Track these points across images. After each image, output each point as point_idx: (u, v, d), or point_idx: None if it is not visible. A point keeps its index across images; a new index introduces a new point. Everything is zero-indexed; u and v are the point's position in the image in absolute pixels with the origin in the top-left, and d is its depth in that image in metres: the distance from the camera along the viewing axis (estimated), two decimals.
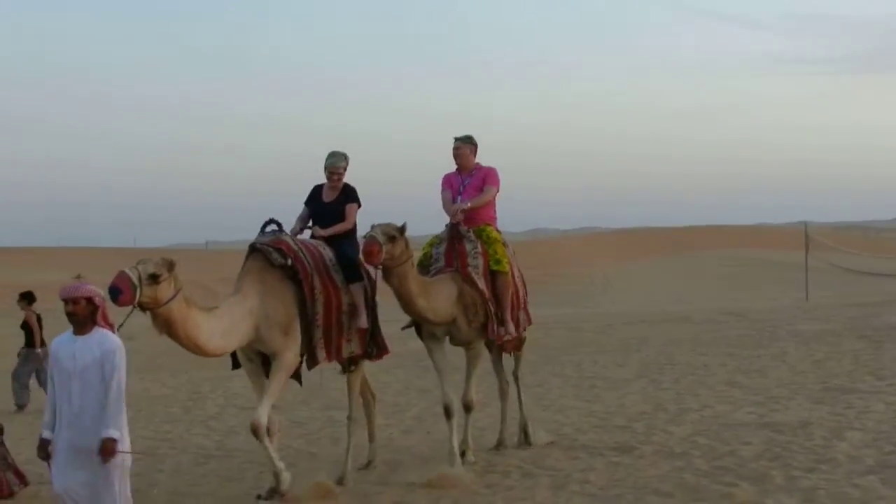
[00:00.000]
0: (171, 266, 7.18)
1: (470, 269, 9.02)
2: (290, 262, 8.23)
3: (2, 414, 12.12)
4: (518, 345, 9.93)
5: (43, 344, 14.11)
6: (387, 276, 8.47)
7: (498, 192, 9.53)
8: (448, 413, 8.96)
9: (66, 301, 6.22)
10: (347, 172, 9.13)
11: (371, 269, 8.78)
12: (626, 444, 9.49)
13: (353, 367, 8.98)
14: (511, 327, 9.24)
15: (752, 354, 16.14)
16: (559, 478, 8.41)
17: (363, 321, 8.67)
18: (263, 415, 7.96)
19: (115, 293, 6.88)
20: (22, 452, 10.25)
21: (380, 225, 8.41)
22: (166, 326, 7.27)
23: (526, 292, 9.85)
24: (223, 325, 7.74)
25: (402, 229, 8.42)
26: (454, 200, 9.33)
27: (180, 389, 15.81)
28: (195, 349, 7.63)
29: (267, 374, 8.31)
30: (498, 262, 9.19)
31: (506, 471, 8.80)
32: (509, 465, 9.01)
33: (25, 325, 14.64)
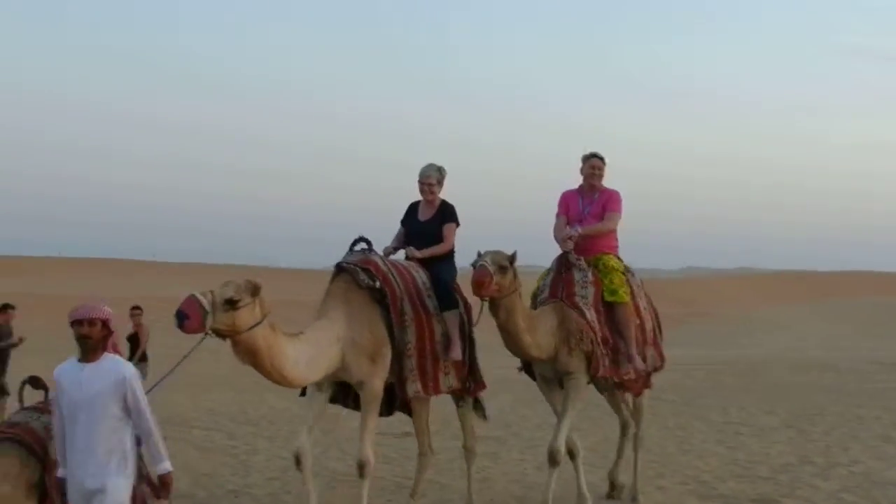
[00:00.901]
0: (255, 290, 6.65)
1: (577, 298, 8.27)
2: (378, 283, 7.64)
3: None
4: (644, 385, 8.95)
5: (145, 358, 14.06)
6: (493, 308, 7.81)
7: (620, 217, 8.74)
8: (552, 459, 8.14)
9: (80, 322, 5.59)
10: (447, 189, 8.44)
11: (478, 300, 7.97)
12: (768, 497, 9.05)
13: (462, 403, 8.52)
14: (638, 361, 8.41)
15: None
16: None
17: (457, 353, 7.99)
18: (369, 453, 7.56)
19: (181, 318, 6.41)
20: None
21: (489, 253, 7.77)
22: (250, 355, 6.76)
23: (659, 328, 9.06)
24: (309, 352, 7.19)
25: (512, 258, 7.78)
26: (570, 225, 8.56)
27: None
28: (279, 379, 7.07)
29: (340, 401, 7.96)
30: (614, 292, 8.39)
31: None
32: None
33: (133, 338, 14.34)
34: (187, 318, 6.39)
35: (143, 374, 13.15)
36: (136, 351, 14.21)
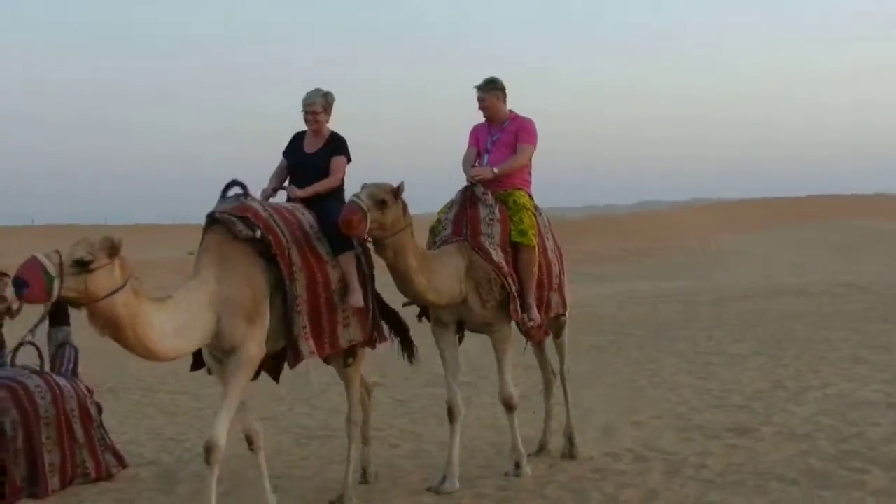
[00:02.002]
0: (113, 249, 5.72)
1: (482, 237, 7.50)
2: (258, 233, 6.66)
3: (105, 392, 12.08)
4: (555, 332, 8.48)
5: None
6: (379, 248, 7.07)
7: (535, 149, 7.96)
8: (452, 415, 7.74)
9: None
10: (335, 119, 7.55)
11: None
12: (745, 426, 8.98)
13: (351, 359, 7.51)
14: (534, 313, 7.65)
15: (876, 329, 15.35)
16: (673, 462, 7.95)
17: (357, 298, 7.07)
18: (222, 432, 6.39)
19: (20, 286, 5.47)
20: (127, 432, 10.24)
21: (369, 185, 6.96)
22: (110, 327, 5.82)
23: (563, 271, 8.32)
24: (179, 320, 6.19)
25: (397, 191, 6.97)
26: (478, 160, 7.91)
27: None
28: (144, 353, 6.10)
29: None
30: (522, 232, 7.63)
31: (615, 454, 8.38)
32: (618, 446, 8.58)
33: None
34: (27, 285, 5.45)
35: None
36: None
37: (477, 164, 7.94)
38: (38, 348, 8.11)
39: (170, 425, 10.71)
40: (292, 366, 6.98)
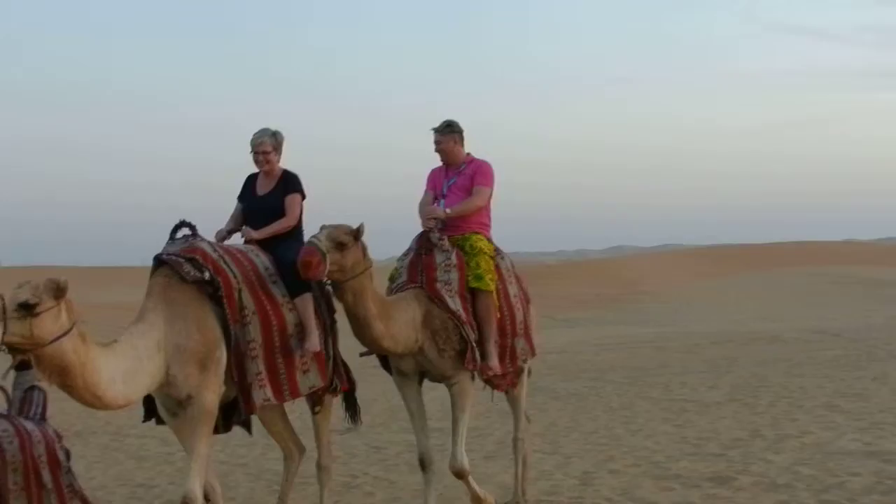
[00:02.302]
0: (58, 291, 5.43)
1: (438, 284, 7.21)
2: (207, 275, 6.39)
3: (72, 436, 11.86)
4: (511, 383, 7.96)
5: None
6: (338, 291, 6.82)
7: (492, 193, 7.71)
8: (424, 465, 7.46)
9: None
10: (286, 158, 7.30)
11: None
12: (723, 475, 8.87)
13: (318, 407, 7.32)
14: (494, 360, 7.31)
15: (850, 376, 15.34)
16: None
17: (314, 342, 6.79)
18: (196, 487, 6.23)
19: None
20: (95, 477, 10.05)
21: (328, 227, 6.71)
22: (59, 373, 5.57)
23: (528, 315, 7.94)
24: (125, 366, 5.89)
25: (356, 232, 6.74)
26: (435, 204, 7.62)
27: None
28: (92, 400, 5.81)
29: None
30: (478, 277, 7.33)
31: (594, 503, 8.25)
32: (597, 496, 8.46)
33: None
34: None
35: None
36: None
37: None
38: (5, 392, 7.92)
39: (139, 470, 10.52)
40: (245, 413, 6.66)
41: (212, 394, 6.26)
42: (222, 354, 6.35)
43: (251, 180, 7.38)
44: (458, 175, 7.66)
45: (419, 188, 7.94)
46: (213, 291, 6.41)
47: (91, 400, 5.80)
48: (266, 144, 7.18)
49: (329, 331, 7.14)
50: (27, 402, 8.17)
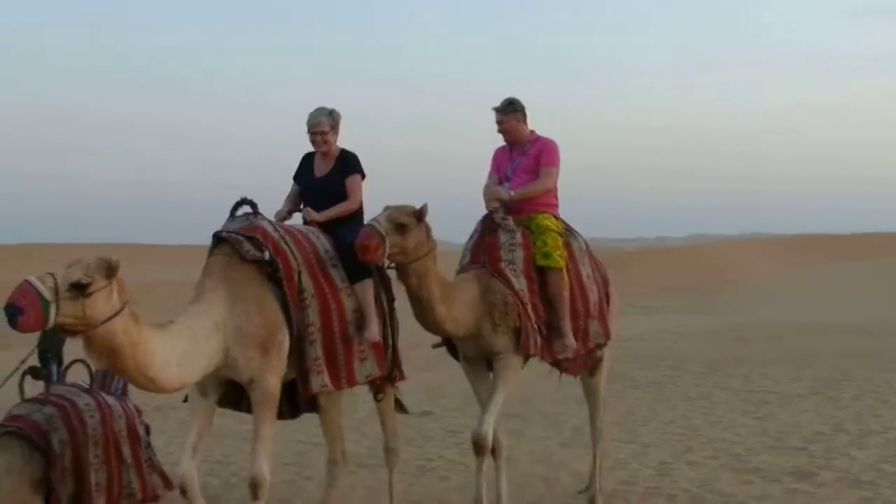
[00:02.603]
0: (110, 270, 5.26)
1: (502, 263, 6.95)
2: (267, 255, 6.21)
3: (152, 411, 12.03)
4: (592, 366, 7.75)
5: None
6: (402, 274, 6.60)
7: (558, 172, 7.38)
8: (477, 447, 6.89)
9: None
10: (343, 136, 7.00)
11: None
12: (805, 469, 8.70)
13: (381, 395, 7.21)
14: (571, 339, 7.04)
15: None
16: None
17: (373, 332, 6.58)
18: (265, 467, 6.18)
19: (14, 314, 4.97)
20: (173, 452, 10.14)
21: (391, 207, 6.50)
22: (109, 355, 5.39)
23: (606, 298, 7.67)
24: (181, 347, 5.72)
25: (419, 214, 6.51)
26: (501, 183, 7.32)
27: None
28: (146, 383, 5.64)
29: (232, 404, 6.63)
30: (546, 255, 7.04)
31: (671, 493, 8.13)
32: (674, 487, 8.34)
33: None
34: (22, 312, 4.97)
35: None
36: None
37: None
38: (88, 366, 8.06)
39: (217, 447, 10.61)
40: (303, 397, 6.55)
41: (274, 377, 6.11)
42: (284, 338, 6.19)
43: (308, 160, 7.13)
44: (522, 155, 7.36)
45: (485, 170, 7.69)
46: (272, 272, 6.21)
47: (144, 382, 5.63)
48: (323, 124, 6.94)
49: (388, 319, 6.92)
50: (109, 377, 8.30)
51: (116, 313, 5.28)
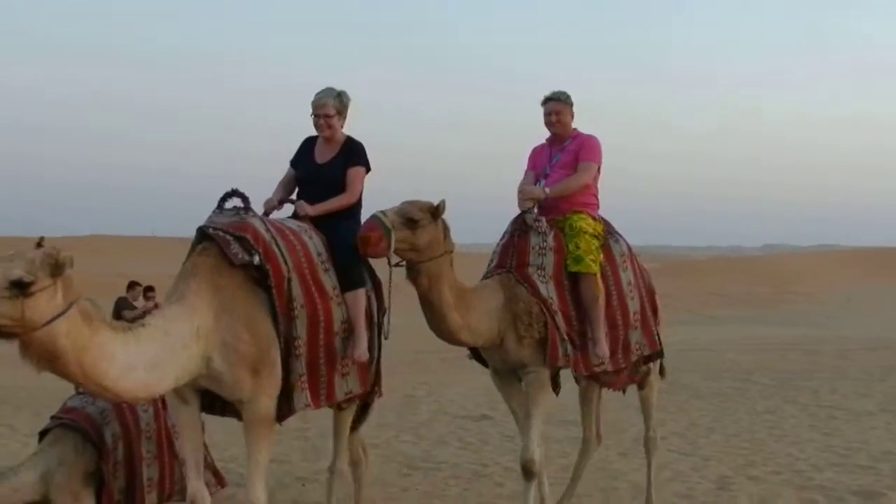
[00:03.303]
0: (57, 267, 4.66)
1: (530, 269, 6.48)
2: (257, 259, 5.56)
3: None
4: (639, 379, 7.32)
5: None
6: (412, 273, 6.11)
7: (599, 168, 6.92)
8: (526, 471, 6.52)
9: None
10: (351, 124, 6.43)
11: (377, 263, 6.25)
12: (871, 489, 8.43)
13: (344, 405, 6.38)
14: (603, 347, 6.52)
15: None
16: None
17: (362, 350, 5.98)
18: (260, 494, 5.63)
19: None
20: (229, 449, 10.16)
21: (406, 202, 6.06)
22: (50, 360, 4.74)
23: (651, 307, 7.14)
24: (152, 352, 5.08)
25: (435, 210, 6.07)
26: (538, 182, 6.87)
27: (395, 392, 15.54)
28: (99, 391, 5.00)
29: (215, 409, 5.98)
30: (578, 259, 6.54)
31: None
32: (733, 502, 8.13)
33: None
34: None
35: None
36: None
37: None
38: None
39: (274, 444, 10.60)
40: (281, 419, 5.78)
41: (267, 399, 5.53)
42: (277, 354, 5.59)
43: (309, 144, 6.53)
44: (561, 152, 6.90)
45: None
46: (260, 277, 5.59)
47: (97, 390, 4.99)
48: (329, 107, 6.34)
49: (376, 332, 6.29)
50: None
51: (59, 314, 4.66)
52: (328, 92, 6.39)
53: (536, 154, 7.09)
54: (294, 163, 6.55)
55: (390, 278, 6.24)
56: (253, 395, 5.48)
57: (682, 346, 24.01)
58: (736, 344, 24.57)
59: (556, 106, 6.88)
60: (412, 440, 11.01)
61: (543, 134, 7.09)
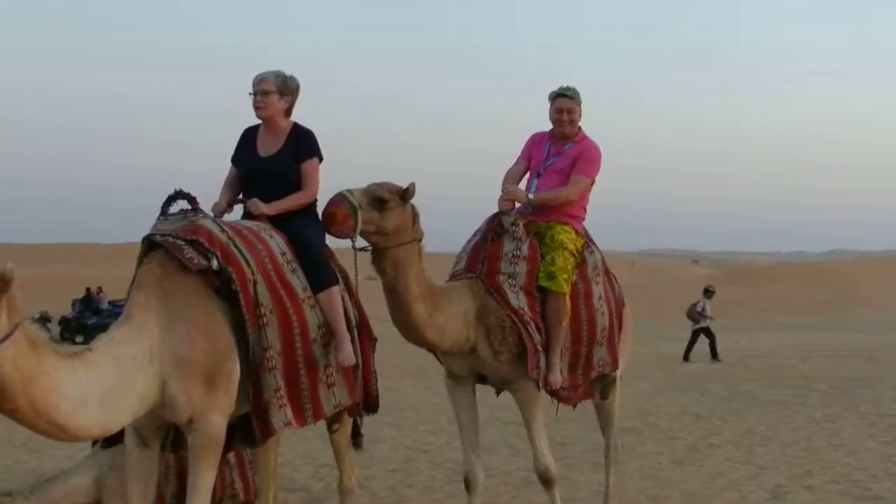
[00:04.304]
0: (0, 283, 4.00)
1: (501, 277, 6.14)
2: (215, 263, 5.01)
3: None
4: (601, 391, 6.97)
5: None
6: (377, 258, 5.75)
7: (592, 183, 6.57)
8: (468, 485, 6.52)
9: None
10: (299, 110, 5.82)
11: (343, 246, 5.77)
12: None
13: (337, 425, 6.09)
14: (555, 375, 6.22)
15: None
16: None
17: (347, 353, 5.47)
18: None
19: None
20: (282, 454, 10.15)
21: (372, 184, 5.70)
22: None
23: (618, 321, 6.83)
24: (102, 381, 4.46)
25: (404, 193, 5.72)
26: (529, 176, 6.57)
27: (448, 398, 15.54)
28: (51, 430, 4.36)
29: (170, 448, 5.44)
30: (551, 276, 6.22)
31: None
32: None
33: None
34: None
35: None
36: None
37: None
38: None
39: (325, 450, 10.55)
40: (259, 442, 5.33)
41: (219, 417, 4.93)
42: (234, 367, 5.01)
43: (250, 136, 5.85)
44: (560, 155, 6.53)
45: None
46: (220, 284, 5.03)
47: (46, 427, 4.35)
48: (268, 83, 5.68)
49: (356, 333, 5.78)
50: None
51: (3, 339, 4.05)
52: (272, 71, 5.76)
53: (535, 143, 6.68)
54: (235, 159, 5.89)
55: (356, 264, 5.83)
56: (203, 412, 4.85)
57: (742, 352, 23.75)
58: (797, 351, 24.23)
59: (569, 103, 6.52)
60: (509, 455, 10.90)
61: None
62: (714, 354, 21.86)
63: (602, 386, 6.94)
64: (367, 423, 11.89)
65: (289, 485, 8.77)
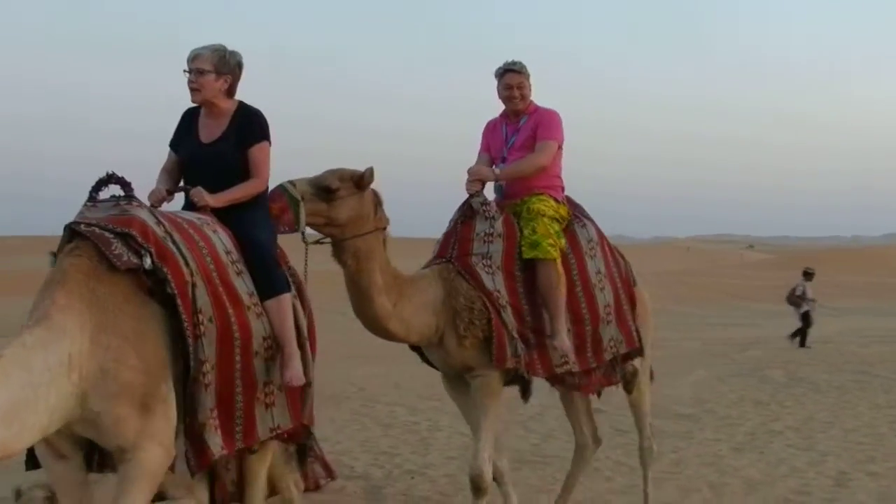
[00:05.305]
0: None
1: (473, 258, 5.80)
2: (148, 261, 4.30)
3: (326, 399, 12.16)
4: (625, 384, 6.65)
5: None
6: (337, 251, 5.45)
7: (560, 147, 6.22)
8: (475, 488, 5.82)
9: None
10: (244, 87, 5.13)
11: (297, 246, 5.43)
12: None
13: (256, 447, 4.93)
14: (564, 341, 5.85)
15: None
16: None
17: (296, 372, 4.80)
18: None
19: None
20: (341, 442, 10.25)
21: (325, 171, 5.38)
22: None
23: (629, 299, 6.50)
24: (8, 394, 3.70)
25: (360, 179, 5.35)
26: (495, 164, 6.21)
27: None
28: None
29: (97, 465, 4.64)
30: (535, 244, 5.86)
31: None
32: (852, 499, 7.87)
33: None
34: None
35: None
36: None
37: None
38: None
39: (384, 438, 10.66)
40: (194, 470, 4.58)
41: (158, 447, 4.19)
42: (170, 388, 4.30)
43: (190, 119, 5.19)
44: (517, 132, 6.22)
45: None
46: (153, 285, 4.34)
47: None
48: (203, 59, 4.97)
49: (303, 344, 5.06)
50: None
51: None
52: (208, 45, 5.06)
53: (490, 131, 6.38)
54: (174, 144, 5.21)
55: (306, 260, 5.41)
56: (138, 442, 4.12)
57: (651, 344, 23.32)
58: (857, 336, 23.90)
59: (517, 78, 6.19)
60: (521, 434, 10.94)
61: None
62: (802, 342, 21.19)
63: (623, 375, 6.58)
64: (426, 410, 12.07)
65: (348, 472, 8.79)
